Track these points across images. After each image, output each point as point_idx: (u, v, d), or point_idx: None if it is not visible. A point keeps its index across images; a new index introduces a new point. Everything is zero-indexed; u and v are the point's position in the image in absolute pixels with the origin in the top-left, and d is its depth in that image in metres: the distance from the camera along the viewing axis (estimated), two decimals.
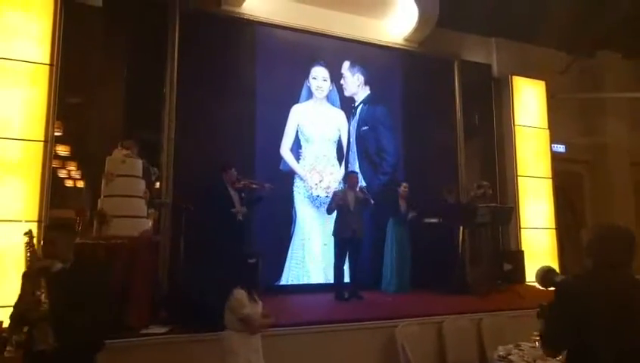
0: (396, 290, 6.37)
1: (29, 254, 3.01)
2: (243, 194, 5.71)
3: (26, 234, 3.24)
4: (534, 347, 3.14)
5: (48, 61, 5.36)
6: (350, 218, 6.00)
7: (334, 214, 6.12)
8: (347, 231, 5.97)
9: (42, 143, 5.24)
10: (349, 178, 6.38)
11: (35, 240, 3.66)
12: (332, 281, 6.23)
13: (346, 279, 6.17)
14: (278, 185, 6.29)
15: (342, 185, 7.15)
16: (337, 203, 6.04)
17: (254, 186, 5.75)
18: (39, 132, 5.25)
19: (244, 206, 5.72)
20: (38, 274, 2.65)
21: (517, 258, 7.76)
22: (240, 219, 5.65)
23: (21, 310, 2.60)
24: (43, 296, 2.54)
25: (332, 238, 6.19)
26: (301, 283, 6.59)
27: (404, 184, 6.80)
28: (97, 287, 2.72)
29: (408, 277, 6.56)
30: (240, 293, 3.06)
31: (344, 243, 6.02)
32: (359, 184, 6.40)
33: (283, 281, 6.61)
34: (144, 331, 3.76)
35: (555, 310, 2.03)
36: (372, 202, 6.27)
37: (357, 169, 7.38)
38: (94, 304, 2.61)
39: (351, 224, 5.97)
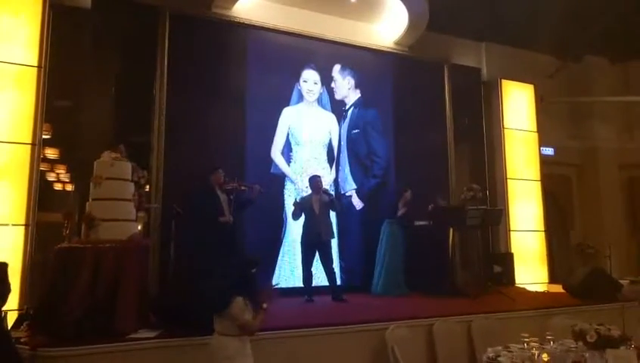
0: (386, 292, 6.36)
1: None
2: (232, 197, 5.67)
3: None
4: (523, 349, 3.15)
5: (36, 63, 5.32)
6: (315, 221, 6.03)
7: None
8: (313, 235, 6.02)
9: (30, 146, 5.20)
10: (312, 182, 6.29)
11: None
12: (324, 284, 6.23)
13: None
14: (268, 188, 6.27)
15: (332, 188, 7.17)
16: (299, 208, 6.07)
17: (243, 188, 5.71)
18: (27, 135, 5.21)
19: (233, 210, 5.67)
20: None
21: (507, 260, 7.82)
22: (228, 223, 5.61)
23: None
24: None
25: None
26: (291, 286, 6.57)
27: (410, 190, 6.81)
28: None
29: (402, 279, 6.55)
30: (240, 301, 3.11)
31: (310, 247, 6.06)
32: (323, 187, 6.35)
33: (273, 284, 6.58)
34: (133, 336, 3.72)
35: None
36: (337, 203, 6.37)
37: (348, 172, 7.41)
38: None
39: (316, 227, 6.01)
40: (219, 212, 5.50)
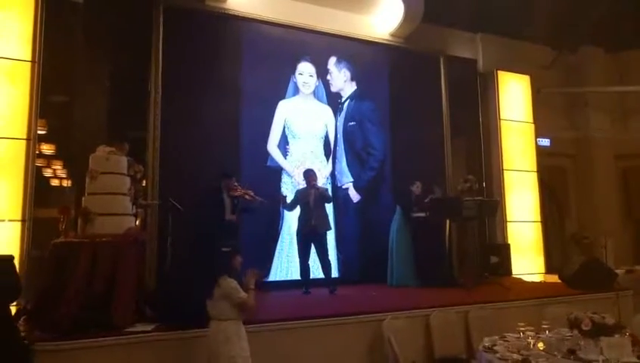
0: (399, 283, 6.39)
1: None
2: (236, 201, 5.69)
3: None
4: (519, 338, 3.17)
5: (29, 58, 5.29)
6: (312, 214, 6.05)
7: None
8: (309, 227, 6.04)
9: (25, 141, 5.18)
10: (307, 176, 6.27)
11: None
12: (320, 277, 6.24)
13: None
14: (265, 181, 6.26)
15: (329, 181, 7.18)
16: (294, 201, 6.13)
17: (248, 197, 5.74)
18: (22, 130, 5.19)
19: (234, 214, 5.70)
20: None
21: (504, 251, 7.84)
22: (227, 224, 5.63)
23: None
24: None
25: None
26: (289, 279, 6.58)
27: (417, 182, 6.85)
28: None
29: (412, 269, 6.55)
30: (232, 281, 3.14)
31: (307, 239, 6.08)
32: (313, 183, 6.28)
33: (271, 277, 6.60)
34: (130, 329, 3.73)
35: None
36: (331, 196, 6.41)
37: (344, 165, 7.41)
38: None
39: (313, 220, 6.02)
40: (221, 213, 5.53)
